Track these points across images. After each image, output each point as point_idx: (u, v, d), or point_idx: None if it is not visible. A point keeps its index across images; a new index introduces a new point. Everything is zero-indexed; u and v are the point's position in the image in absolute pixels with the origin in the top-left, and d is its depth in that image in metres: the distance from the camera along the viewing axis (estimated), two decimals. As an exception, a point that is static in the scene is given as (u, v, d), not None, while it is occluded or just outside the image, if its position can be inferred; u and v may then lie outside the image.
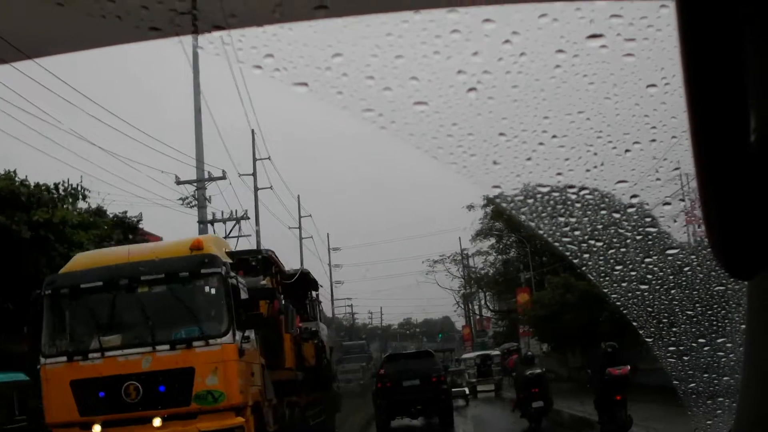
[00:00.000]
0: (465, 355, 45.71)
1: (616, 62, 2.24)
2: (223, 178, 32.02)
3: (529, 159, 2.28)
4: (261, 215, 39.68)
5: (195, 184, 31.38)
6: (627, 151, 2.42)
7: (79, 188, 24.25)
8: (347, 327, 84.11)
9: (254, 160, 43.37)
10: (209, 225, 32.34)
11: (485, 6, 2.11)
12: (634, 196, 2.46)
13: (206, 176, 31.37)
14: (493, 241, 43.47)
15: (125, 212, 27.30)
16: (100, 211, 25.83)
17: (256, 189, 43.92)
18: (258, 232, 41.79)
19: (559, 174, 2.33)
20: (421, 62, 2.19)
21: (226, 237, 32.41)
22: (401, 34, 2.16)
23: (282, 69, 2.22)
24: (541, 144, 2.32)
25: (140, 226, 27.66)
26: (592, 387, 15.12)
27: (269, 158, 45.12)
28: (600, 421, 14.56)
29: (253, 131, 43.30)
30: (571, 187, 2.28)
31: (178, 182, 30.97)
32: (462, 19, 2.12)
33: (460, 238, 56.12)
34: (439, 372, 21.32)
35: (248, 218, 34.41)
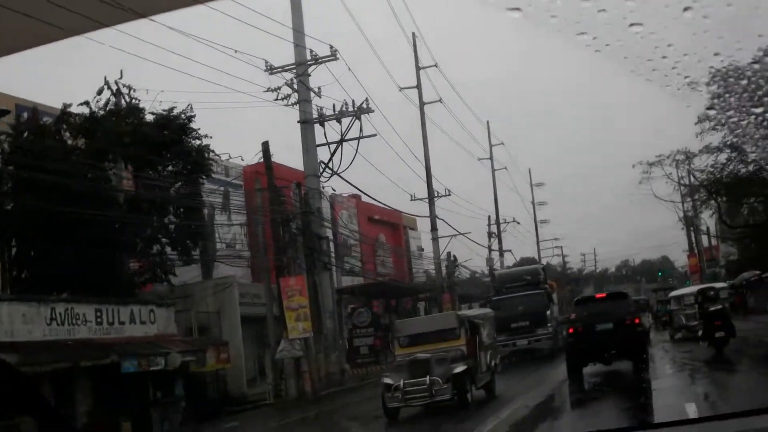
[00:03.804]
0: (675, 292, 35.83)
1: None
2: (334, 58, 24.61)
3: (744, 80, 2.38)
4: (434, 141, 34.22)
5: (294, 70, 24.09)
6: None
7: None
8: (559, 272, 75.91)
9: (417, 68, 37.14)
10: (317, 125, 25.27)
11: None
12: None
13: (309, 57, 24.15)
14: (725, 131, 30.30)
15: (171, 109, 23.37)
16: (133, 110, 23.08)
17: (421, 103, 37.58)
18: (427, 158, 37.40)
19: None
20: (637, -19, 2.29)
21: (342, 140, 25.64)
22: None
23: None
24: (755, 63, 2.41)
25: (192, 125, 23.53)
26: None
27: (436, 65, 38.20)
28: None
29: (414, 34, 37.64)
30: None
31: (271, 70, 24.36)
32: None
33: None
34: (634, 314, 20.86)
35: (371, 111, 25.71)
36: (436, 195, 39.04)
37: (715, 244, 59.27)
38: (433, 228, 39.94)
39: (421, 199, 38.86)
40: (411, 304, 45.98)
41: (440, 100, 38.09)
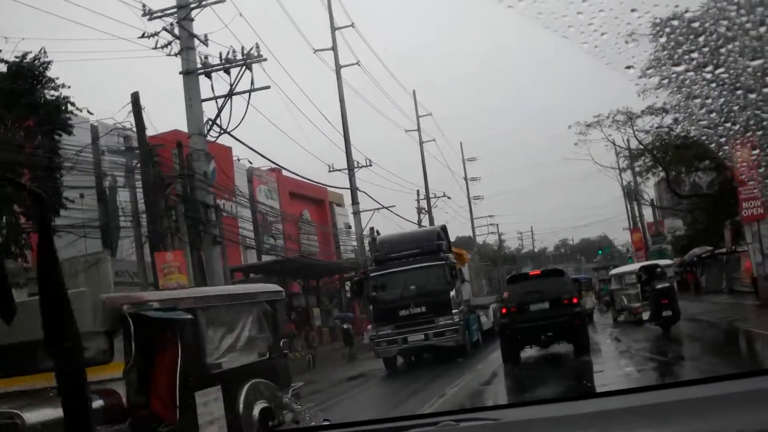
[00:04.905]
0: (615, 270, 32.92)
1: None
2: None
3: (661, 36, 2.18)
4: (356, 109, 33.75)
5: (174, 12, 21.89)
6: (762, 24, 2.32)
7: None
8: (495, 251, 72.61)
9: (333, 28, 36.07)
10: (202, 77, 22.53)
11: None
12: (770, 74, 2.36)
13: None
14: (673, 88, 26.23)
15: (24, 55, 20.63)
16: None
17: (337, 65, 36.40)
18: (345, 125, 36.44)
19: (691, 52, 2.24)
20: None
21: (231, 93, 22.74)
22: None
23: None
24: (673, 19, 2.22)
25: (48, 74, 20.96)
26: None
27: (353, 25, 36.86)
28: None
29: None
30: (705, 66, 2.19)
31: (150, 14, 21.77)
32: None
33: None
34: (572, 293, 19.61)
35: (264, 59, 22.67)
36: (356, 165, 36.95)
37: (660, 219, 56.93)
38: (354, 201, 37.64)
39: (339, 170, 36.90)
40: (339, 284, 43.36)
41: (357, 63, 38.86)
